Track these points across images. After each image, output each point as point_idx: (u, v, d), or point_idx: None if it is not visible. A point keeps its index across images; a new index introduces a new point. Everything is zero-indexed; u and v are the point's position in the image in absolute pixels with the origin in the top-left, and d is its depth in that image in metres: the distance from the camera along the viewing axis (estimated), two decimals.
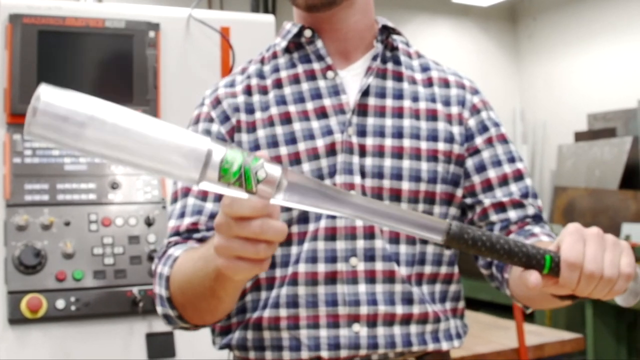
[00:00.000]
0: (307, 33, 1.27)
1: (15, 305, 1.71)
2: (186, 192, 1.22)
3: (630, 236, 4.40)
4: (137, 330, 1.81)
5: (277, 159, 1.20)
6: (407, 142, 1.22)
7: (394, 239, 1.19)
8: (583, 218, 5.96)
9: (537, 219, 1.25)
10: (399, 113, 1.24)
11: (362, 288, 1.17)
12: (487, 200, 1.24)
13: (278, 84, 1.26)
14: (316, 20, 1.26)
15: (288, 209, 1.18)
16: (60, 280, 1.75)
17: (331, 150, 1.20)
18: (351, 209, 0.83)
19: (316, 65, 1.27)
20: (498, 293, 4.70)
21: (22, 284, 1.73)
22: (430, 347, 1.20)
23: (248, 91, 1.27)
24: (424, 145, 1.23)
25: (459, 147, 1.26)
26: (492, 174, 1.25)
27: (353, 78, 1.26)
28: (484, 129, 1.28)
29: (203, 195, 1.20)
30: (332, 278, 1.17)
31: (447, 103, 1.28)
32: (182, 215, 1.21)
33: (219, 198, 1.14)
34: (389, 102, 1.25)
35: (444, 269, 1.24)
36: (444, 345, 1.22)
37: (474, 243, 0.87)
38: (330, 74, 1.25)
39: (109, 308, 1.78)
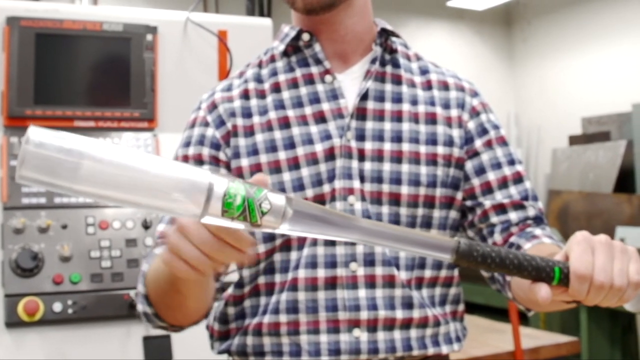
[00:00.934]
0: (305, 37, 1.26)
1: (12, 308, 1.70)
2: None
3: (625, 239, 4.41)
4: (134, 334, 1.81)
5: (276, 164, 1.20)
6: (406, 146, 1.22)
7: None
8: (577, 222, 5.98)
9: (538, 220, 1.24)
10: (397, 117, 1.24)
11: (362, 293, 1.17)
12: (487, 203, 1.24)
13: (276, 88, 1.26)
14: (314, 22, 1.26)
15: None
16: (58, 283, 1.75)
17: (330, 155, 1.19)
18: (358, 233, 0.82)
19: (314, 69, 1.26)
20: (493, 296, 4.71)
21: (19, 287, 1.73)
22: (431, 351, 1.20)
23: (245, 95, 1.26)
24: (423, 149, 1.22)
25: (459, 151, 1.26)
26: (491, 176, 1.25)
27: (352, 82, 1.26)
28: (483, 131, 1.28)
29: None
30: (332, 283, 1.17)
31: (446, 106, 1.28)
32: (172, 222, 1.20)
33: None
34: (388, 106, 1.24)
35: (443, 273, 1.24)
36: (444, 349, 1.22)
37: (483, 260, 0.86)
38: (328, 78, 1.25)
39: (106, 311, 1.78)
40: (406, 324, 1.18)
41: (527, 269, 0.88)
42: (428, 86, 1.30)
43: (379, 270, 1.18)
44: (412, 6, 8.33)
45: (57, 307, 1.74)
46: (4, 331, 1.71)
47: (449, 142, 1.25)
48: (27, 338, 1.73)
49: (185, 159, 1.24)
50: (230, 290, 1.25)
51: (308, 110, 1.23)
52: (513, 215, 1.23)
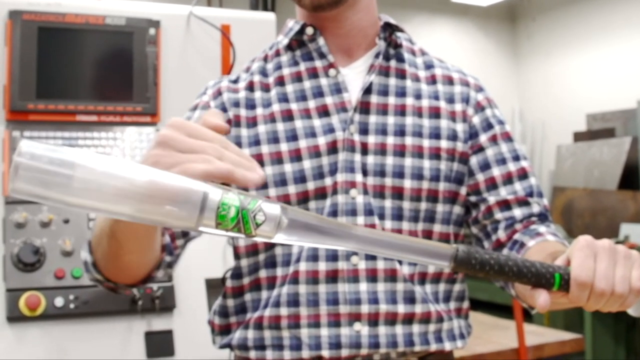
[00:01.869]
0: (309, 31, 1.26)
1: (14, 303, 1.70)
2: None
3: (629, 236, 4.40)
4: (136, 329, 1.80)
5: (278, 155, 1.19)
6: (409, 140, 1.21)
7: None
8: (582, 218, 5.96)
9: (542, 217, 1.24)
10: (401, 111, 1.23)
11: (363, 287, 1.16)
12: (491, 199, 1.23)
13: (280, 82, 1.26)
14: (319, 18, 1.25)
15: (288, 204, 1.17)
16: (59, 278, 1.75)
17: (332, 148, 1.19)
18: (354, 242, 0.82)
19: (318, 63, 1.26)
20: (497, 293, 4.70)
21: (21, 282, 1.72)
22: (433, 347, 1.19)
23: (250, 87, 1.27)
24: (426, 143, 1.22)
25: (463, 145, 1.25)
26: (496, 172, 1.24)
27: (356, 76, 1.26)
28: (488, 126, 1.27)
29: None
30: (333, 277, 1.16)
31: (450, 100, 1.27)
32: None
33: None
34: (392, 100, 1.24)
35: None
36: (447, 346, 1.21)
37: (482, 267, 0.86)
38: (332, 71, 1.25)
39: (107, 306, 1.77)
40: (408, 319, 1.18)
41: (527, 276, 0.87)
42: (432, 80, 1.29)
43: (380, 264, 1.17)
44: (416, 2, 8.32)
45: (59, 301, 1.73)
46: (6, 326, 1.71)
47: (453, 137, 1.24)
48: (28, 333, 1.72)
49: None
50: (228, 282, 1.25)
51: (312, 103, 1.23)
52: (517, 212, 1.22)
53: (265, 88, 1.26)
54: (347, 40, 1.27)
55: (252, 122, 1.23)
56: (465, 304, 1.28)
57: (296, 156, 1.19)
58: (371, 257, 1.17)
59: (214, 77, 1.94)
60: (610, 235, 5.07)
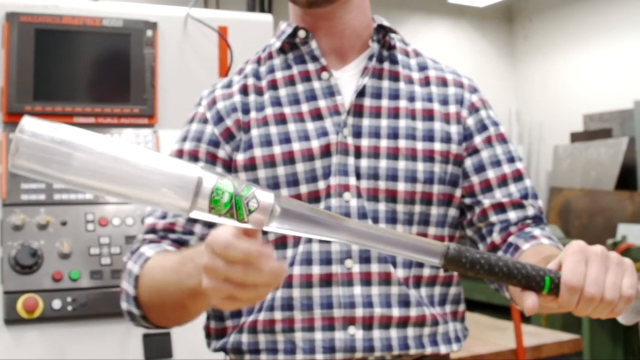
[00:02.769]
0: (301, 34, 1.26)
1: (11, 305, 1.70)
2: None
3: (627, 237, 4.40)
4: (133, 331, 1.80)
5: (271, 158, 1.19)
6: (402, 143, 1.21)
7: None
8: (579, 219, 5.97)
9: (537, 220, 1.23)
10: (394, 113, 1.23)
11: (357, 290, 1.16)
12: (486, 201, 1.23)
13: (273, 85, 1.26)
14: (313, 18, 1.25)
15: None
16: (57, 280, 1.74)
17: (326, 152, 1.19)
18: (346, 234, 0.83)
19: (311, 66, 1.26)
20: (494, 294, 4.70)
21: (18, 284, 1.72)
22: (428, 350, 1.19)
23: (244, 90, 1.26)
24: (420, 145, 1.22)
25: (457, 147, 1.25)
26: (491, 174, 1.24)
27: (349, 78, 1.25)
28: (483, 128, 1.27)
29: None
30: (327, 280, 1.16)
31: (444, 102, 1.27)
32: (163, 217, 1.20)
33: None
34: (385, 103, 1.24)
35: (442, 272, 1.23)
36: (443, 349, 1.21)
37: (472, 266, 0.86)
38: (324, 74, 1.24)
39: (105, 308, 1.77)
40: (403, 322, 1.17)
41: (517, 277, 0.87)
42: (426, 82, 1.29)
43: (374, 268, 1.17)
44: (413, 3, 8.33)
45: (57, 304, 1.73)
46: (3, 328, 1.70)
47: (447, 139, 1.24)
48: (26, 335, 1.72)
49: (180, 153, 1.24)
50: None
51: (304, 107, 1.23)
52: (512, 215, 1.22)
53: (259, 91, 1.26)
54: (341, 42, 1.27)
55: (246, 127, 1.23)
56: (461, 307, 1.28)
57: (289, 159, 1.18)
58: (365, 261, 1.17)
59: (211, 78, 1.94)
60: (607, 235, 5.08)
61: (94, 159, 0.72)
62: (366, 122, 1.22)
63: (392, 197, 1.19)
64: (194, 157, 1.23)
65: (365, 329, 1.16)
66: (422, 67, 1.31)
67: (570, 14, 8.27)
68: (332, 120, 1.21)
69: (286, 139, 1.20)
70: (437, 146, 1.23)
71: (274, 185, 1.18)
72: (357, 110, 1.22)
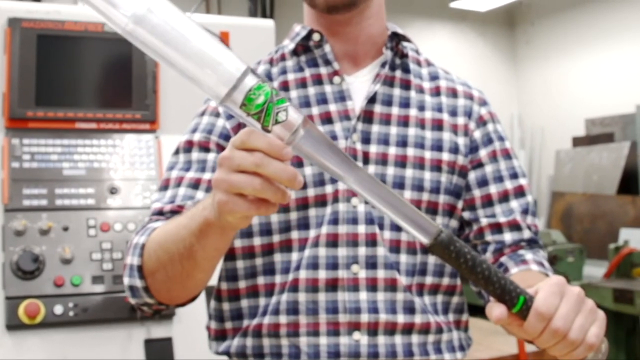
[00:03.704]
0: (316, 37, 1.25)
1: (13, 310, 1.70)
2: (179, 182, 1.20)
3: (629, 241, 4.40)
4: (135, 336, 1.80)
5: None
6: (411, 151, 1.21)
7: (395, 247, 1.18)
8: (581, 223, 5.97)
9: (531, 243, 1.24)
10: (404, 122, 1.23)
11: (363, 296, 1.16)
12: (484, 220, 1.24)
13: (285, 87, 1.25)
14: (329, 22, 1.25)
15: (286, 211, 1.17)
16: (59, 285, 1.74)
17: None
18: (353, 178, 0.84)
19: (323, 70, 1.25)
20: None
21: (20, 290, 1.72)
22: (432, 357, 1.19)
23: None
24: (428, 154, 1.22)
25: (463, 159, 1.25)
26: (493, 189, 1.25)
27: (360, 84, 1.25)
28: (489, 141, 1.27)
29: (195, 183, 1.19)
30: (333, 285, 1.16)
31: (453, 113, 1.27)
32: (171, 202, 1.19)
33: (211, 189, 1.14)
34: (395, 110, 1.24)
35: (445, 281, 1.23)
36: (447, 357, 1.20)
37: (457, 257, 0.86)
38: (336, 79, 1.24)
39: (107, 314, 1.77)
40: (407, 329, 1.17)
41: (494, 285, 0.87)
42: (436, 92, 1.29)
43: (381, 274, 1.17)
44: (415, 7, 8.33)
45: (58, 309, 1.73)
46: (5, 334, 1.70)
47: (454, 150, 1.24)
48: (28, 341, 1.72)
49: (190, 144, 1.23)
50: (223, 284, 1.24)
51: (315, 110, 1.22)
52: (508, 237, 1.23)
53: None
54: (355, 47, 1.26)
55: None
56: (465, 317, 1.27)
57: (297, 162, 1.18)
58: (372, 267, 1.16)
59: None
60: (609, 240, 5.07)
61: (163, 21, 0.78)
62: (375, 129, 1.21)
63: None
64: (204, 148, 1.22)
65: (370, 335, 1.15)
66: (434, 77, 1.31)
67: (572, 19, 8.27)
68: (342, 125, 1.21)
69: None
70: (445, 156, 1.23)
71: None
72: (367, 117, 1.22)
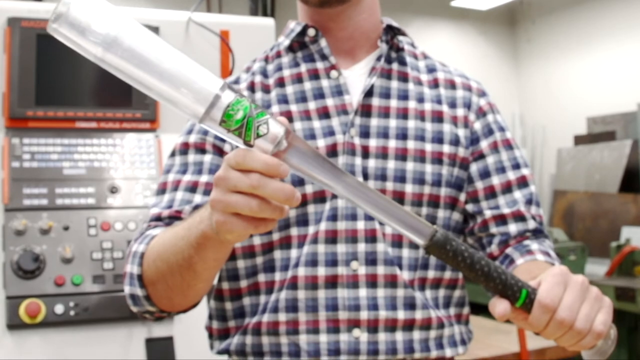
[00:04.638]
0: (311, 32, 1.25)
1: (14, 310, 1.70)
2: (176, 186, 1.20)
3: (631, 240, 4.39)
4: (136, 336, 1.80)
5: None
6: (411, 144, 1.20)
7: (397, 242, 1.17)
8: (583, 222, 5.96)
9: (537, 233, 1.23)
10: (403, 114, 1.22)
11: (362, 292, 1.15)
12: (488, 212, 1.23)
13: (280, 83, 1.25)
14: (322, 18, 1.24)
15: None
16: (59, 285, 1.74)
17: (332, 152, 1.18)
18: (342, 186, 0.83)
19: (320, 65, 1.25)
20: None
21: (21, 289, 1.72)
22: (434, 354, 1.18)
23: (251, 87, 1.26)
24: (428, 147, 1.21)
25: (464, 150, 1.24)
26: (495, 180, 1.24)
27: (357, 78, 1.24)
28: (489, 132, 1.26)
29: (193, 186, 1.19)
30: (332, 282, 1.15)
31: (452, 105, 1.27)
32: (169, 207, 1.19)
33: (209, 192, 1.13)
34: (394, 103, 1.23)
35: (447, 274, 1.22)
36: (448, 352, 1.20)
37: (454, 256, 0.85)
38: (334, 73, 1.23)
39: (108, 313, 1.77)
40: (408, 325, 1.16)
41: (495, 281, 0.87)
42: (435, 84, 1.28)
43: (380, 270, 1.16)
44: (416, 6, 8.33)
45: (59, 309, 1.73)
46: (6, 333, 1.70)
47: (455, 141, 1.23)
48: (28, 340, 1.72)
49: (186, 146, 1.23)
50: (225, 284, 1.24)
51: (312, 105, 1.22)
52: (512, 228, 1.22)
53: (266, 89, 1.25)
54: (350, 42, 1.26)
55: None
56: (466, 310, 1.27)
57: None
58: (371, 263, 1.16)
59: None
60: (611, 238, 5.06)
61: (135, 42, 0.77)
62: (374, 122, 1.21)
63: (399, 199, 1.18)
64: (200, 149, 1.21)
65: (370, 332, 1.15)
66: (431, 69, 1.30)
67: (573, 17, 8.26)
68: (340, 119, 1.20)
69: None
70: (446, 148, 1.22)
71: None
72: (365, 110, 1.21)
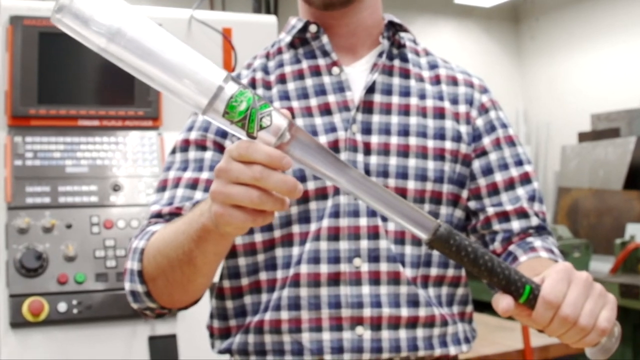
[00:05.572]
0: (312, 28, 1.24)
1: (17, 308, 1.70)
2: (176, 183, 1.19)
3: (635, 236, 4.38)
4: (139, 333, 1.80)
5: None
6: (413, 140, 1.20)
7: (400, 239, 1.17)
8: (587, 219, 5.94)
9: (540, 230, 1.23)
10: (405, 110, 1.22)
11: (365, 290, 1.15)
12: (490, 209, 1.22)
13: (282, 80, 1.24)
14: (325, 16, 1.24)
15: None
16: (62, 283, 1.74)
17: (334, 148, 1.17)
18: (345, 180, 0.83)
19: (321, 61, 1.24)
20: None
21: (24, 287, 1.72)
22: (438, 352, 1.17)
23: (252, 84, 1.25)
24: (430, 143, 1.20)
25: (466, 147, 1.24)
26: (498, 177, 1.23)
27: (359, 75, 1.24)
28: (491, 129, 1.26)
29: (193, 183, 1.18)
30: (335, 279, 1.15)
31: (454, 101, 1.26)
32: (169, 204, 1.18)
33: (209, 189, 1.13)
34: (396, 100, 1.22)
35: (450, 272, 1.22)
36: (452, 350, 1.19)
37: (458, 250, 0.84)
38: (335, 69, 1.23)
39: (111, 311, 1.77)
40: (412, 323, 1.16)
41: (498, 276, 0.86)
42: (437, 81, 1.28)
43: (383, 267, 1.15)
44: (419, 3, 8.32)
45: (62, 307, 1.73)
46: (9, 331, 1.71)
47: (457, 138, 1.23)
48: (32, 338, 1.72)
49: (186, 143, 1.22)
50: (226, 282, 1.23)
51: (313, 101, 1.21)
52: (515, 225, 1.21)
53: (267, 86, 1.24)
54: (351, 39, 1.26)
55: None
56: (469, 308, 1.26)
57: None
58: (374, 260, 1.15)
59: None
60: (615, 235, 5.05)
61: (140, 33, 0.77)
62: (376, 119, 1.20)
63: (401, 195, 1.16)
64: (201, 146, 1.21)
65: (373, 330, 1.14)
66: (433, 66, 1.30)
67: (577, 14, 8.24)
68: (341, 116, 1.19)
69: None
70: (448, 145, 1.22)
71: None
72: (367, 107, 1.21)
